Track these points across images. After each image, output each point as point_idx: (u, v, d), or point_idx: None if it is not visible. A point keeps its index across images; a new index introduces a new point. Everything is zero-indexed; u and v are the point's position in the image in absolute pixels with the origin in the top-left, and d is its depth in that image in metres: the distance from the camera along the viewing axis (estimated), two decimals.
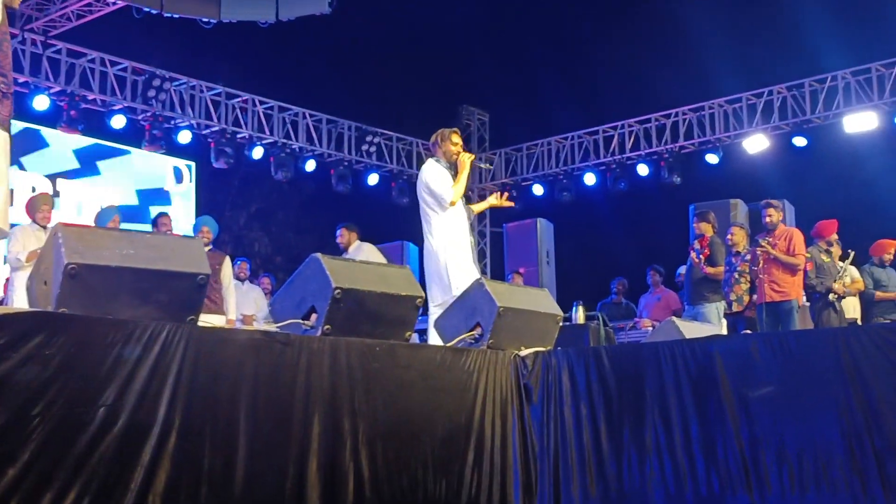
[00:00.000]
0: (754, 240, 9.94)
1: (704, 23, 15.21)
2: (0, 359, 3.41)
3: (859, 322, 10.64)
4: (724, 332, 9.83)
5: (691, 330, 6.89)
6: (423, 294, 5.46)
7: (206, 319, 8.51)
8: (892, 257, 10.95)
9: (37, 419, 3.49)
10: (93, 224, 9.02)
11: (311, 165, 16.37)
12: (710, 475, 4.91)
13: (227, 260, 9.76)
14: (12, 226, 9.08)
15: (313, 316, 4.96)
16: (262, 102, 15.73)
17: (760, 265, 9.66)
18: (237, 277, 11.32)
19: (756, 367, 4.89)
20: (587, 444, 5.36)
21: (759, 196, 12.49)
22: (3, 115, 5.05)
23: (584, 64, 17.91)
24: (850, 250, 10.43)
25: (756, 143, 15.23)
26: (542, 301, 6.34)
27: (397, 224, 17.17)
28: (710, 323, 9.83)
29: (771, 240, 9.75)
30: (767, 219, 9.96)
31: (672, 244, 13.37)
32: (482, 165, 15.78)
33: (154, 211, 13.59)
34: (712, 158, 15.81)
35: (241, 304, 10.61)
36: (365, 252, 9.56)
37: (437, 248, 7.16)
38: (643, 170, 16.48)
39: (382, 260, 9.07)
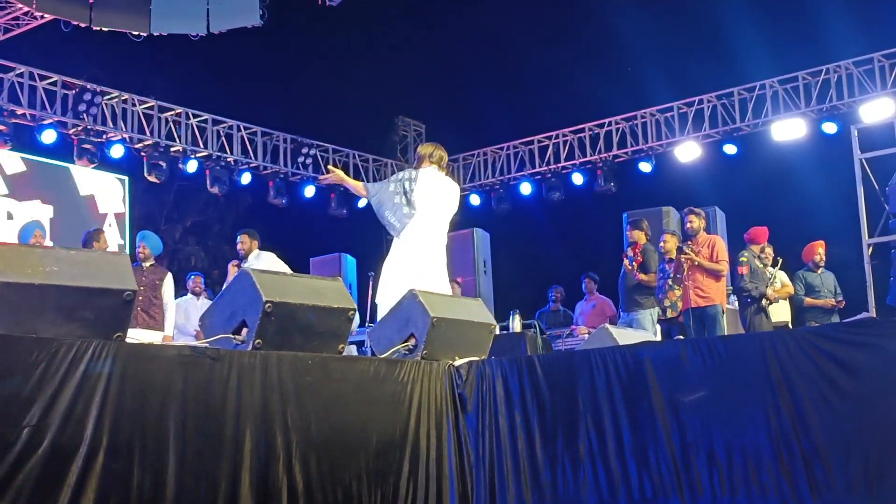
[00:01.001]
0: (678, 248, 10.07)
1: (636, 33, 15.41)
2: None
3: (790, 326, 10.82)
4: (659, 338, 9.93)
5: (625, 337, 6.94)
6: (356, 306, 5.45)
7: (145, 335, 8.49)
8: (823, 258, 11.14)
9: None
10: (16, 240, 8.88)
11: (246, 178, 16.25)
12: (643, 480, 4.96)
13: (169, 276, 9.67)
14: None
15: (244, 330, 4.92)
16: (195, 115, 15.58)
17: (685, 272, 9.81)
18: (192, 292, 11.23)
19: (686, 373, 4.95)
20: (522, 453, 5.38)
21: (692, 203, 12.64)
22: None
23: (519, 74, 18.03)
24: (778, 258, 10.60)
25: (687, 151, 15.43)
26: (476, 311, 6.36)
27: (335, 236, 17.13)
28: (645, 329, 9.92)
29: (694, 247, 9.90)
30: (689, 225, 10.13)
31: (607, 252, 13.48)
32: None
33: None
34: (645, 167, 15.98)
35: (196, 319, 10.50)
36: (264, 260, 9.45)
37: None
38: (578, 179, 16.60)
39: (285, 269, 8.98)
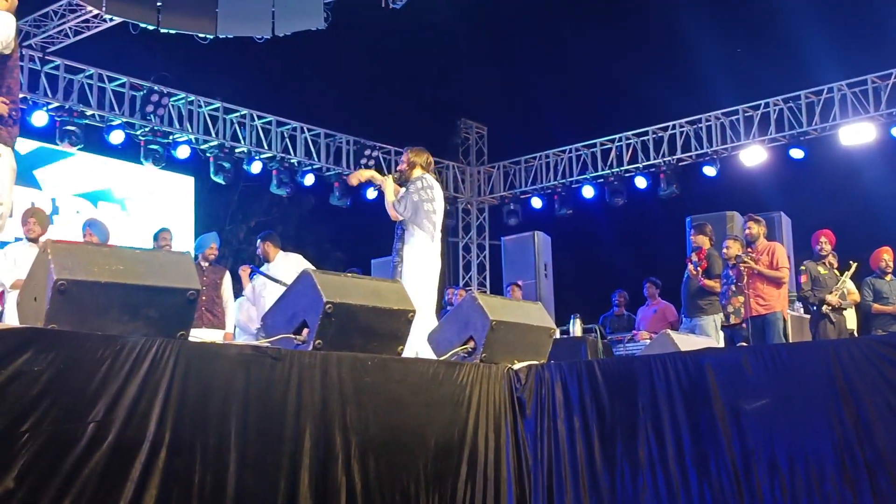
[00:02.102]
0: (737, 256, 9.95)
1: (701, 36, 15.24)
2: None
3: (856, 334, 10.63)
4: (722, 344, 9.82)
5: (686, 342, 6.89)
6: (415, 308, 5.46)
7: (207, 334, 8.59)
8: (889, 265, 10.92)
9: (26, 435, 3.49)
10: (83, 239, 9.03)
11: (309, 179, 16.40)
12: (703, 488, 4.91)
13: (228, 275, 9.77)
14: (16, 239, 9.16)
15: (305, 331, 4.96)
16: (259, 117, 15.77)
17: (745, 280, 9.70)
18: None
19: (748, 380, 4.89)
20: (580, 458, 5.36)
21: (756, 208, 12.49)
22: (14, 136, 5.12)
23: (583, 77, 17.93)
24: (851, 262, 10.40)
25: (753, 156, 15.25)
26: (536, 314, 6.34)
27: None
28: (707, 335, 9.81)
29: (753, 254, 9.78)
30: (748, 231, 10.01)
31: (669, 256, 13.37)
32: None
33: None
34: (710, 171, 15.83)
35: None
36: (292, 261, 9.48)
37: None
38: (641, 182, 16.49)
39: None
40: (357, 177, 7.89)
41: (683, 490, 4.97)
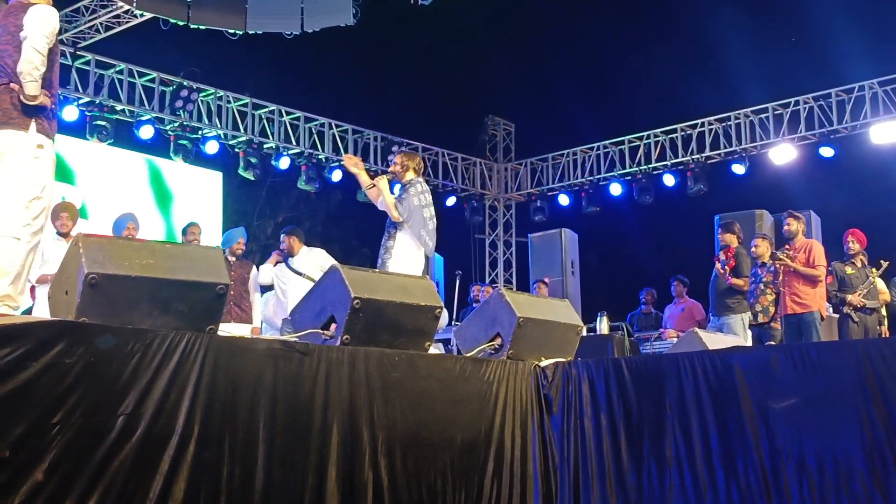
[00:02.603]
0: (773, 253, 9.86)
1: (731, 33, 15.17)
2: (21, 367, 3.46)
3: (886, 334, 10.54)
4: (750, 343, 9.76)
5: (714, 341, 6.87)
6: (442, 304, 5.47)
7: (235, 328, 8.63)
8: None
9: (57, 427, 3.53)
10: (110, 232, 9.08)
11: (337, 175, 16.42)
12: (730, 487, 4.90)
13: (255, 269, 9.80)
14: None
15: (333, 326, 4.98)
16: (288, 113, 15.82)
17: (781, 278, 9.61)
18: None
19: (776, 379, 4.87)
20: (607, 456, 5.35)
21: (786, 207, 12.37)
22: (55, 129, 5.17)
23: (610, 74, 17.89)
24: (881, 261, 10.30)
25: (782, 154, 15.15)
26: (563, 312, 6.34)
27: None
28: (735, 334, 9.76)
29: (791, 252, 9.68)
30: (786, 228, 9.89)
31: (697, 255, 13.31)
32: None
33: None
34: (738, 169, 15.73)
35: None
36: (316, 255, 9.50)
37: None
38: (669, 180, 16.42)
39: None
40: (353, 163, 7.87)
41: (711, 489, 4.95)
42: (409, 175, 7.59)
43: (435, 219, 7.56)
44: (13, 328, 3.51)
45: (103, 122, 13.65)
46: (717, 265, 10.57)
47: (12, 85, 4.97)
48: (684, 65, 16.28)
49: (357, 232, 20.03)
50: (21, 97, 4.95)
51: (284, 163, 15.68)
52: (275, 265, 9.64)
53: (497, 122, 19.47)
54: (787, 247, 9.79)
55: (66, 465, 3.53)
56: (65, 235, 8.34)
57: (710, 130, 16.08)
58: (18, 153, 4.94)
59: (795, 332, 9.43)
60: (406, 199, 7.38)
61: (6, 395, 3.41)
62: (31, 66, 4.91)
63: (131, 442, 3.73)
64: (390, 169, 7.83)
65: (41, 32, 4.97)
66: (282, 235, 9.83)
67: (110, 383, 3.73)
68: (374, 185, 7.53)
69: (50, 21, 5.05)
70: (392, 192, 7.56)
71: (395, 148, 16.72)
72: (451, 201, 18.36)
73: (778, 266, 9.64)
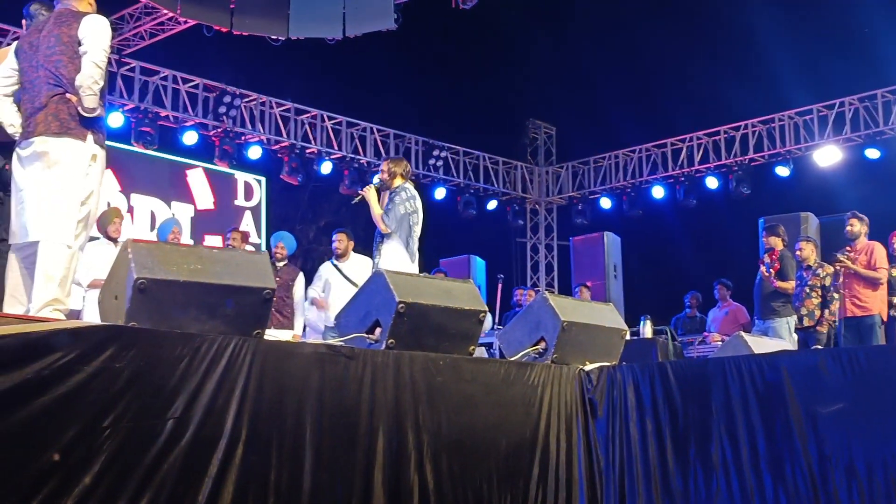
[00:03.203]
0: (832, 254, 9.72)
1: (774, 34, 15.03)
2: (72, 371, 3.49)
3: None
4: (795, 347, 9.66)
5: (760, 345, 6.80)
6: (486, 308, 5.47)
7: (275, 335, 8.66)
8: None
9: (107, 431, 3.56)
10: (155, 238, 9.16)
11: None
12: (778, 493, 4.85)
13: (301, 276, 9.80)
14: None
15: (377, 330, 4.99)
16: (330, 118, 15.90)
17: (841, 280, 9.45)
18: None
19: (825, 384, 4.82)
20: (653, 460, 5.33)
21: (831, 209, 12.28)
22: (105, 138, 5.24)
23: (653, 76, 17.79)
24: None
25: (827, 156, 15.00)
26: (607, 315, 6.31)
27: (464, 238, 17.21)
28: (781, 338, 9.66)
29: (852, 254, 9.52)
30: (848, 228, 9.72)
31: (741, 258, 13.20)
32: None
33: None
34: (783, 171, 15.61)
35: None
36: (364, 264, 9.43)
37: None
38: (712, 183, 16.32)
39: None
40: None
41: (758, 494, 4.91)
42: (398, 181, 7.68)
43: (421, 223, 7.66)
44: (64, 333, 3.55)
45: (148, 128, 13.80)
46: (762, 268, 10.47)
47: (68, 95, 5.04)
48: (727, 66, 16.16)
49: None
50: (79, 108, 5.02)
51: (326, 167, 15.76)
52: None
53: (538, 125, 19.46)
54: (847, 248, 9.64)
55: (116, 469, 3.56)
56: (113, 240, 8.43)
57: (754, 132, 15.97)
58: (75, 163, 5.01)
59: (855, 336, 9.28)
60: (392, 208, 7.47)
61: (57, 399, 3.45)
62: (91, 80, 4.98)
63: (180, 445, 3.76)
64: (378, 177, 7.89)
65: (101, 47, 5.05)
66: (337, 233, 9.71)
67: (159, 387, 3.76)
68: (361, 195, 7.64)
69: (107, 34, 5.13)
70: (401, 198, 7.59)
71: (436, 152, 16.78)
72: (492, 205, 18.37)
73: (838, 268, 9.50)
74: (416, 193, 7.71)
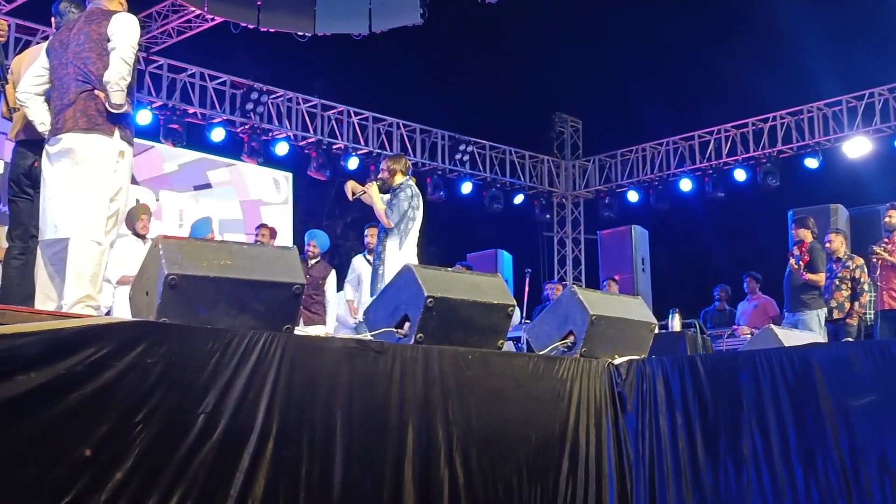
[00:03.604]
0: (869, 246, 9.63)
1: (802, 24, 14.90)
2: (104, 367, 3.52)
3: None
4: (825, 340, 9.59)
5: (790, 338, 6.76)
6: (515, 303, 5.48)
7: (306, 331, 8.69)
8: None
9: (140, 426, 3.59)
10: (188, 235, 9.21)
11: None
12: (810, 486, 4.83)
13: (333, 273, 9.82)
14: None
15: (406, 325, 5.00)
16: (356, 113, 15.93)
17: (878, 273, 9.36)
18: None
19: (856, 376, 4.79)
20: (683, 454, 5.31)
21: (860, 201, 12.18)
22: (133, 135, 5.30)
23: (679, 68, 17.68)
24: None
25: (857, 147, 14.87)
26: (636, 309, 6.30)
27: (491, 232, 17.20)
28: (811, 331, 9.61)
29: (889, 246, 9.41)
30: (886, 219, 9.58)
31: (770, 250, 13.13)
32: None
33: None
34: (811, 163, 15.48)
35: None
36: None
37: None
38: (740, 175, 16.22)
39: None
40: (351, 190, 7.99)
41: (790, 488, 4.89)
42: (399, 178, 7.70)
43: (421, 220, 7.67)
44: (96, 329, 3.59)
45: (176, 126, 13.88)
46: (792, 261, 10.41)
47: (96, 92, 5.09)
48: (755, 58, 16.05)
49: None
50: (106, 105, 5.06)
51: (353, 163, 15.79)
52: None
53: (564, 118, 19.40)
54: (885, 240, 9.54)
55: (148, 464, 3.59)
56: (142, 237, 8.48)
57: (782, 124, 15.85)
58: (103, 159, 5.06)
59: (892, 328, 9.19)
60: (397, 203, 7.50)
61: (90, 394, 3.48)
62: (118, 77, 5.03)
63: (212, 440, 3.78)
64: (379, 176, 7.88)
65: (129, 43, 5.09)
66: (369, 228, 9.69)
67: (191, 382, 3.79)
68: (365, 192, 7.66)
69: (135, 31, 5.17)
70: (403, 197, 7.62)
71: (462, 147, 16.77)
72: (518, 199, 18.34)
73: (875, 260, 9.41)
74: (418, 191, 7.75)
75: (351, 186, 7.88)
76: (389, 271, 7.24)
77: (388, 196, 7.64)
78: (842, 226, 11.69)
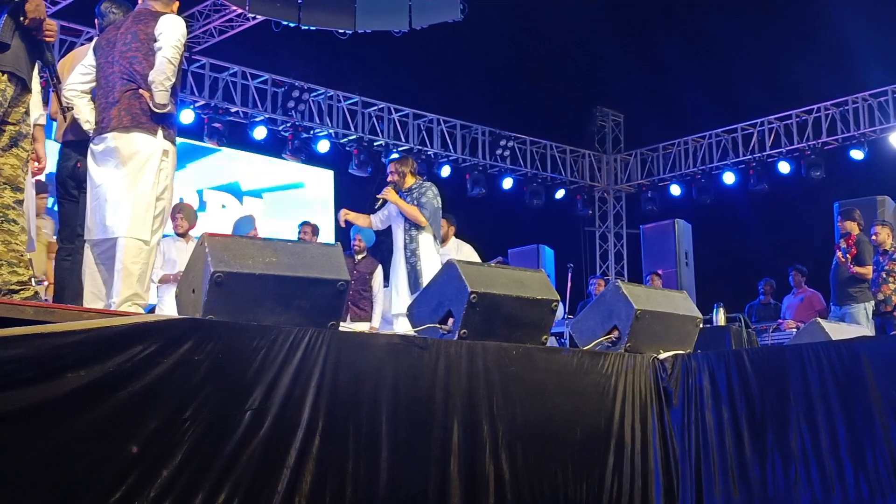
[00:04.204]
0: None
1: (847, 13, 14.70)
2: (153, 364, 3.55)
3: None
4: (873, 333, 9.49)
5: (837, 331, 6.69)
6: (559, 298, 5.46)
7: (352, 327, 8.74)
8: None
9: (188, 422, 3.62)
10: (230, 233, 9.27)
11: (446, 171, 16.52)
12: (859, 480, 4.77)
13: (379, 268, 9.84)
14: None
15: (450, 320, 5.01)
16: (397, 110, 15.97)
17: None
18: None
19: None
20: (729, 449, 5.27)
21: None
22: (175, 134, 5.36)
23: (721, 59, 17.49)
24: None
25: None
26: (681, 303, 6.26)
27: (533, 227, 17.15)
28: (859, 324, 9.50)
29: None
30: None
31: (815, 243, 12.99)
32: None
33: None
34: (857, 154, 15.31)
35: None
36: (465, 252, 9.45)
37: None
38: (784, 167, 16.07)
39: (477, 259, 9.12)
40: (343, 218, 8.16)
41: (839, 482, 4.83)
42: (410, 179, 7.90)
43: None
44: (144, 326, 3.62)
45: (218, 125, 13.99)
46: (838, 253, 10.30)
47: (141, 91, 5.14)
48: (799, 48, 15.83)
49: (466, 226, 20.05)
50: (151, 104, 5.11)
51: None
52: None
53: (606, 112, 19.33)
54: None
55: (196, 461, 3.61)
56: (183, 236, 8.55)
57: (827, 115, 15.69)
58: (148, 158, 5.11)
59: None
60: (427, 202, 7.69)
61: (138, 392, 3.50)
62: (163, 77, 5.08)
63: (259, 436, 3.80)
64: (389, 180, 8.02)
65: (174, 44, 5.14)
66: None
67: (237, 379, 3.81)
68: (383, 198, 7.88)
69: (182, 33, 5.22)
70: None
71: (503, 142, 16.73)
72: (560, 194, 18.29)
73: None
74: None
75: (343, 214, 8.04)
76: (430, 266, 7.31)
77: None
78: (888, 218, 11.53)
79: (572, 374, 5.17)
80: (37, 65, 4.68)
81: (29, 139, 4.66)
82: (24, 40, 4.51)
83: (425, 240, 7.64)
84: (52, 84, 4.98)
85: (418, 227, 7.62)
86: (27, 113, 4.62)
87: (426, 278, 7.01)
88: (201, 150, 14.67)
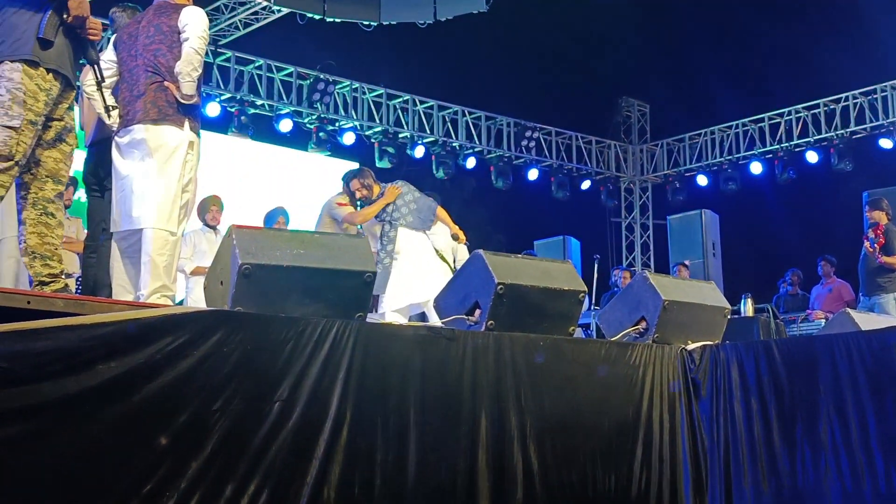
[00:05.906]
0: None
1: (874, 0, 14.56)
2: (182, 355, 3.56)
3: None
4: None
5: (867, 322, 6.64)
6: (586, 289, 5.44)
7: (377, 318, 8.76)
8: None
9: (217, 413, 3.63)
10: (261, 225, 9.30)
11: (471, 162, 16.51)
12: (890, 472, 4.73)
13: None
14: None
15: (477, 312, 5.00)
16: (422, 102, 15.96)
17: None
18: None
19: None
20: (758, 440, 5.24)
21: None
22: (199, 126, 5.39)
23: (747, 48, 17.37)
24: None
25: None
26: (709, 294, 6.22)
27: (558, 218, 17.11)
28: (888, 314, 9.43)
29: None
30: None
31: (844, 234, 12.88)
32: None
33: None
34: (886, 143, 15.17)
35: None
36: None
37: None
38: (812, 157, 15.96)
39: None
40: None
41: (869, 474, 4.79)
42: (376, 188, 8.39)
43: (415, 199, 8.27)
44: (173, 318, 3.63)
45: (244, 117, 14.02)
46: (867, 243, 10.23)
47: (166, 83, 5.16)
48: (826, 36, 15.69)
49: (491, 218, 20.06)
50: (177, 96, 5.14)
51: (419, 151, 15.83)
52: None
53: (631, 102, 19.25)
54: None
55: (226, 452, 3.62)
56: (213, 228, 8.59)
57: (855, 104, 15.56)
58: (174, 150, 5.13)
59: None
60: (419, 196, 8.27)
61: (168, 383, 3.51)
62: (190, 68, 5.10)
63: (287, 427, 3.81)
64: (357, 197, 8.50)
65: (201, 34, 5.17)
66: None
67: (266, 370, 3.81)
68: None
69: (206, 23, 5.25)
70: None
71: (528, 133, 16.69)
72: (585, 185, 18.24)
73: None
74: (412, 187, 8.46)
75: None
76: (406, 258, 7.93)
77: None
78: None
79: (600, 365, 5.15)
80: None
81: (73, 133, 4.74)
82: (68, 38, 4.56)
83: (401, 235, 8.04)
84: (96, 83, 5.03)
85: (391, 224, 8.01)
86: (70, 108, 4.72)
87: (405, 265, 7.73)
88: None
